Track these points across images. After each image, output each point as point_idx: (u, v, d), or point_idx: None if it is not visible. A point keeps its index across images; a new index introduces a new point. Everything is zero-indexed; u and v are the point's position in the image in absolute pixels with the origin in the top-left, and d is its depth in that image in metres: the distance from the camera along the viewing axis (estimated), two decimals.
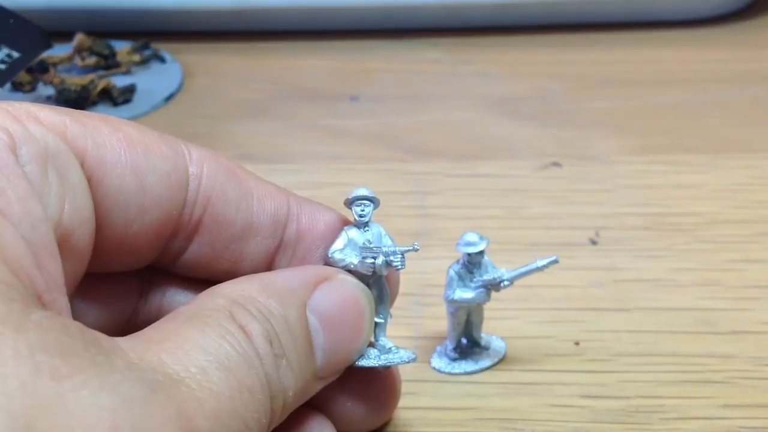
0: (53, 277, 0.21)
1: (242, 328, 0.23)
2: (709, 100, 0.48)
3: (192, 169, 0.25)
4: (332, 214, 0.27)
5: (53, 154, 0.22)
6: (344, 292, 0.26)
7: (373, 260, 0.26)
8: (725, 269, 0.35)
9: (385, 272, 0.27)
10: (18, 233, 0.20)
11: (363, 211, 0.26)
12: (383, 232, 0.27)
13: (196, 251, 0.26)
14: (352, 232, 0.26)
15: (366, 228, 0.27)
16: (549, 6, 0.54)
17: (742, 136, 0.44)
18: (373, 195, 0.27)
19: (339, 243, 0.26)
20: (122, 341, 0.21)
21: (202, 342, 0.22)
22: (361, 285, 0.26)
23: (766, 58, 0.51)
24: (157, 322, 0.23)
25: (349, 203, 0.27)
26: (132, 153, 0.24)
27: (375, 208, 0.27)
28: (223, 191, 0.25)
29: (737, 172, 0.41)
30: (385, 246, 0.26)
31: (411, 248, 0.27)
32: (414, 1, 0.54)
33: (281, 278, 0.25)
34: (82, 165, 0.23)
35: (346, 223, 0.27)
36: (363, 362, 0.26)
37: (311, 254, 0.27)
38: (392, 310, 0.34)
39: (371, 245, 0.26)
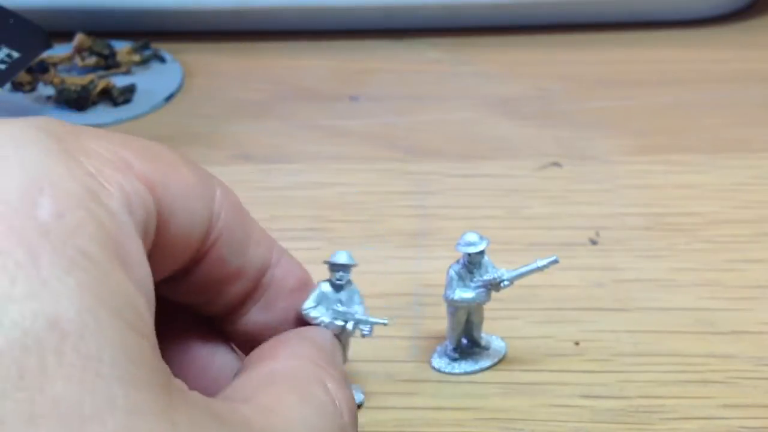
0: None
1: (334, 402, 0.23)
2: (709, 100, 0.48)
3: (215, 208, 0.25)
4: (304, 273, 0.28)
5: (150, 218, 0.22)
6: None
7: (343, 323, 0.27)
8: (725, 269, 0.35)
9: (352, 335, 0.28)
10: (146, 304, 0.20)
11: (340, 278, 0.28)
12: (356, 291, 0.28)
13: (186, 283, 0.26)
14: (326, 287, 0.28)
15: (341, 289, 0.28)
16: (549, 6, 0.54)
17: (742, 136, 0.44)
18: (351, 262, 0.28)
19: (312, 299, 0.27)
20: (243, 409, 0.20)
21: (306, 416, 0.22)
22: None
23: (766, 58, 0.51)
24: (257, 382, 0.23)
25: (329, 266, 0.28)
26: (189, 203, 0.23)
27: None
28: (231, 232, 0.25)
29: (737, 172, 0.41)
30: (356, 314, 0.28)
31: (381, 322, 0.28)
32: (414, 1, 0.54)
33: (318, 335, 0.26)
34: (157, 219, 0.22)
35: (311, 283, 0.28)
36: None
37: (277, 303, 0.27)
38: (392, 311, 0.34)
39: (343, 308, 0.28)
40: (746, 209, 0.39)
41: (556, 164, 0.42)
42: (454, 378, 0.31)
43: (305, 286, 0.27)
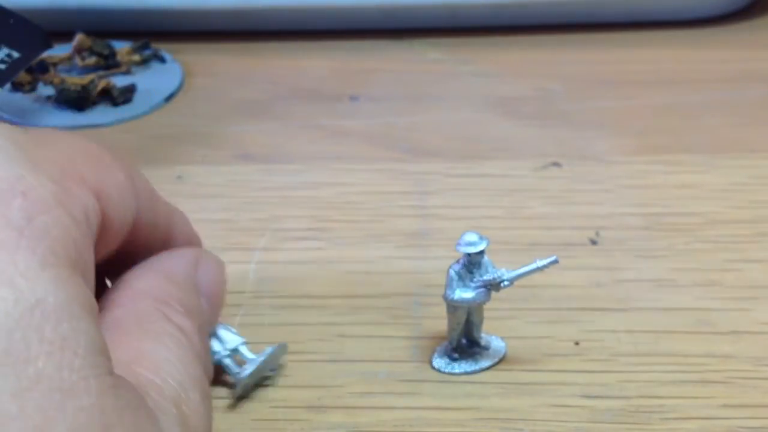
0: None
1: (180, 329, 0.24)
2: (709, 100, 0.48)
3: (137, 196, 0.26)
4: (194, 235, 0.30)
5: (97, 225, 0.23)
6: (216, 268, 0.28)
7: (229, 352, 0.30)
8: (725, 269, 0.35)
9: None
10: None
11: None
12: (229, 328, 0.30)
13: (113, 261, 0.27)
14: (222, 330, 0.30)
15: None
16: (549, 6, 0.54)
17: (742, 136, 0.44)
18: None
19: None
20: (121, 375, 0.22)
21: (168, 355, 0.23)
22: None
23: (766, 58, 0.51)
24: (111, 336, 0.23)
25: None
26: (123, 201, 0.25)
27: None
28: (149, 212, 0.27)
29: (737, 172, 0.41)
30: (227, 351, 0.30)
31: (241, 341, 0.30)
32: (414, 1, 0.54)
33: (173, 265, 0.27)
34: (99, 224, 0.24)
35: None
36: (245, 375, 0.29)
37: None
38: (392, 311, 0.34)
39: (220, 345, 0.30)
40: (746, 209, 0.39)
41: (556, 164, 0.42)
42: (454, 378, 0.31)
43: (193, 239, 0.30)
